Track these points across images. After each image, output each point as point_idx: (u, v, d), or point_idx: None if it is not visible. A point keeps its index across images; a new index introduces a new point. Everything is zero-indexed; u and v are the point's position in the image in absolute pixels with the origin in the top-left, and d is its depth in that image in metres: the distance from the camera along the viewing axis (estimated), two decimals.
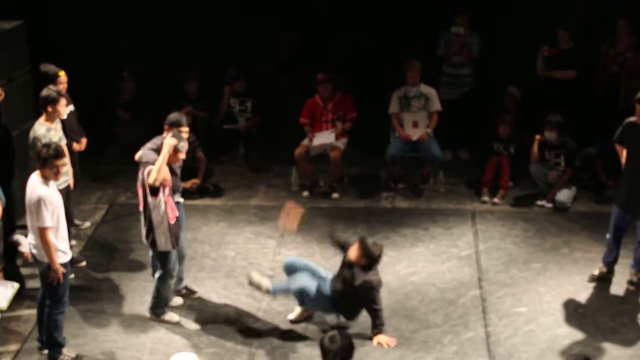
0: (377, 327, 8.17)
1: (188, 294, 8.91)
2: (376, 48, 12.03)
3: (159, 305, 8.46)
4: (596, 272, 9.00)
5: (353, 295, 8.11)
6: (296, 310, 8.48)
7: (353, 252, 8.12)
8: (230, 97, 12.03)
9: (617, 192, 8.89)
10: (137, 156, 8.31)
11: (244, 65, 12.05)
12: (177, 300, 8.74)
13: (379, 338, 8.14)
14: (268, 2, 12.07)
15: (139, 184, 8.15)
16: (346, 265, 8.20)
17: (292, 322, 8.42)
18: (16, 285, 7.80)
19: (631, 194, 8.61)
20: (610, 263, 8.95)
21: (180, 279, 8.83)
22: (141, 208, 8.19)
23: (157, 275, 8.37)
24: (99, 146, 11.41)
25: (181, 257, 8.65)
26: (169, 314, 8.50)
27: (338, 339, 6.22)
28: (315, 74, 11.10)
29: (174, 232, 8.19)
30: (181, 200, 8.68)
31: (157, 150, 8.11)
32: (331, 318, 8.40)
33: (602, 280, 8.95)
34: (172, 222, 8.18)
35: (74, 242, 9.60)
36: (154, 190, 8.00)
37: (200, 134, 11.42)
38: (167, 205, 8.12)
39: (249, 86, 12.02)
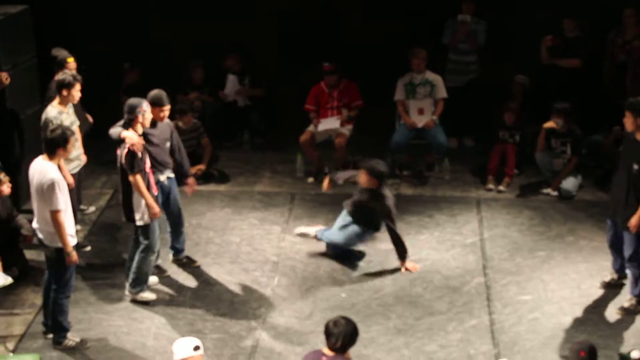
0: (402, 256, 9.01)
1: (189, 262, 9.13)
2: (382, 35, 11.99)
3: (139, 282, 8.48)
4: (607, 279, 8.70)
5: (370, 214, 9.06)
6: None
7: (362, 178, 9.02)
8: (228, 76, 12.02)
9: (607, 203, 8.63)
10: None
11: (245, 51, 12.07)
12: (153, 280, 8.78)
13: (406, 264, 9.01)
14: None
15: (118, 162, 8.23)
16: (360, 191, 9.13)
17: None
18: (10, 279, 7.80)
19: (615, 203, 8.30)
20: (619, 269, 8.63)
21: (181, 250, 9.08)
22: (122, 185, 8.28)
23: (139, 249, 8.38)
24: (103, 132, 11.39)
25: (177, 224, 8.90)
26: (147, 293, 8.54)
27: (342, 323, 6.27)
28: (321, 61, 11.07)
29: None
30: (172, 175, 8.80)
31: (124, 125, 8.21)
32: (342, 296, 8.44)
33: (614, 287, 8.65)
34: (156, 193, 8.34)
35: (78, 227, 9.62)
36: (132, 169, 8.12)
37: (207, 119, 11.43)
38: (148, 177, 8.23)
39: (243, 64, 11.99)
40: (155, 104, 8.47)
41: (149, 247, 8.35)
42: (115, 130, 8.23)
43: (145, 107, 8.22)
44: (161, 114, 8.55)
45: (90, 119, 9.95)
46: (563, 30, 11.28)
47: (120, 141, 8.14)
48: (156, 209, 8.22)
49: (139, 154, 8.07)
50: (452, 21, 11.60)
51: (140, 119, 8.18)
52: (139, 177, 8.09)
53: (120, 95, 11.93)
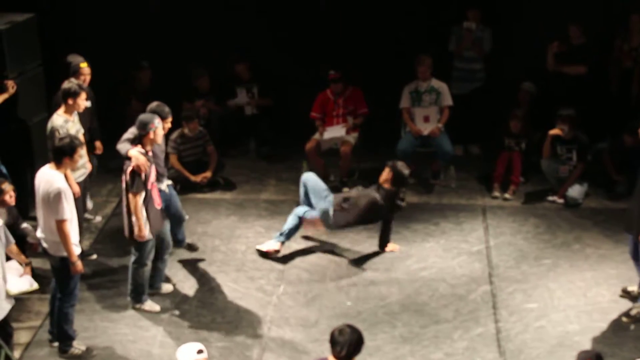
0: (382, 245, 9.56)
1: (189, 247, 9.35)
2: (388, 42, 12.00)
3: (137, 293, 8.51)
4: (629, 288, 8.58)
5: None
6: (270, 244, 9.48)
7: (385, 175, 9.46)
8: (237, 87, 12.03)
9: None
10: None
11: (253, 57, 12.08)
12: (167, 288, 8.81)
13: (390, 247, 9.53)
14: None
15: (123, 175, 8.22)
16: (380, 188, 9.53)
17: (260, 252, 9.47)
18: (36, 285, 7.80)
19: (632, 215, 8.23)
20: None
21: (182, 240, 9.24)
22: (123, 197, 8.28)
23: (131, 261, 8.40)
24: (110, 139, 11.39)
25: (179, 223, 9.03)
26: (149, 303, 8.55)
27: (348, 331, 6.24)
28: (326, 68, 11.08)
29: (155, 220, 8.26)
30: (169, 182, 8.89)
31: (133, 140, 8.21)
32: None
33: (632, 298, 8.58)
34: (159, 207, 8.33)
35: (85, 235, 9.67)
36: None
37: (213, 128, 11.43)
38: (151, 193, 8.22)
39: (253, 73, 12.02)
40: (160, 118, 8.44)
41: (139, 260, 8.36)
42: (124, 146, 8.22)
43: (157, 123, 8.20)
44: (166, 126, 8.55)
45: (99, 146, 9.98)
46: (569, 37, 11.27)
47: (127, 158, 8.14)
48: (144, 232, 8.15)
49: (143, 176, 8.06)
50: (458, 28, 11.60)
51: (151, 135, 8.17)
52: (138, 198, 8.06)
53: (132, 100, 11.96)
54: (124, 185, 8.21)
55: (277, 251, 9.43)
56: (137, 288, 8.48)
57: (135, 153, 8.07)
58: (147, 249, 8.32)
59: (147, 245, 8.30)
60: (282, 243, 9.45)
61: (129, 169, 8.05)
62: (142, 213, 8.11)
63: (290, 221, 9.48)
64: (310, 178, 9.60)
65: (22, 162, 9.77)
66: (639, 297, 8.41)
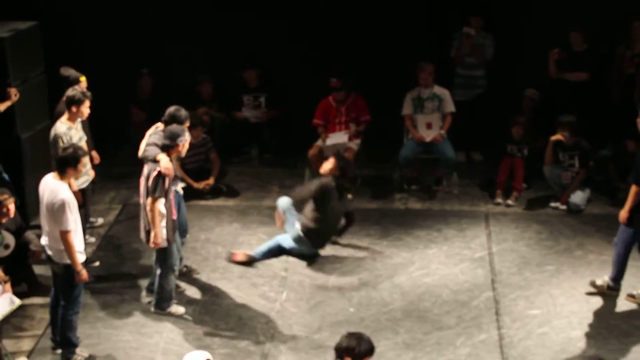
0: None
1: (188, 272, 9.16)
2: (390, 49, 12.00)
3: (164, 300, 8.51)
4: (635, 292, 8.69)
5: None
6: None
7: (329, 165, 9.57)
8: (244, 95, 12.04)
9: None
10: (140, 153, 8.42)
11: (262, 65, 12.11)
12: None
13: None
14: (281, 5, 12.05)
15: (142, 178, 8.23)
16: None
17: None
18: (18, 302, 7.83)
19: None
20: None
21: (180, 258, 9.00)
22: (141, 200, 8.28)
23: (158, 272, 8.41)
24: (113, 146, 11.42)
25: (182, 234, 8.90)
26: (174, 307, 8.56)
27: (353, 338, 6.25)
28: (329, 75, 11.08)
29: (173, 227, 8.30)
30: (183, 184, 8.92)
31: (159, 146, 8.23)
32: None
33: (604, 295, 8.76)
34: (175, 217, 8.33)
35: (93, 239, 9.72)
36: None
37: (215, 135, 11.44)
38: (171, 202, 8.25)
39: (261, 81, 12.03)
40: (178, 122, 8.48)
41: (166, 266, 8.38)
42: (154, 150, 8.23)
43: (187, 137, 8.27)
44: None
45: (95, 157, 9.88)
46: (570, 44, 11.27)
47: (154, 161, 8.16)
48: (159, 239, 8.17)
49: (167, 181, 8.09)
50: (459, 34, 11.61)
51: (180, 147, 8.22)
52: (157, 204, 8.10)
53: (133, 108, 11.96)
54: (142, 189, 8.22)
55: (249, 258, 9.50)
56: (165, 295, 8.48)
57: (166, 158, 8.13)
58: (173, 255, 8.36)
59: (171, 252, 8.33)
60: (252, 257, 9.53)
61: (154, 172, 8.08)
62: (159, 219, 8.13)
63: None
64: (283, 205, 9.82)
65: (25, 170, 9.78)
66: None
